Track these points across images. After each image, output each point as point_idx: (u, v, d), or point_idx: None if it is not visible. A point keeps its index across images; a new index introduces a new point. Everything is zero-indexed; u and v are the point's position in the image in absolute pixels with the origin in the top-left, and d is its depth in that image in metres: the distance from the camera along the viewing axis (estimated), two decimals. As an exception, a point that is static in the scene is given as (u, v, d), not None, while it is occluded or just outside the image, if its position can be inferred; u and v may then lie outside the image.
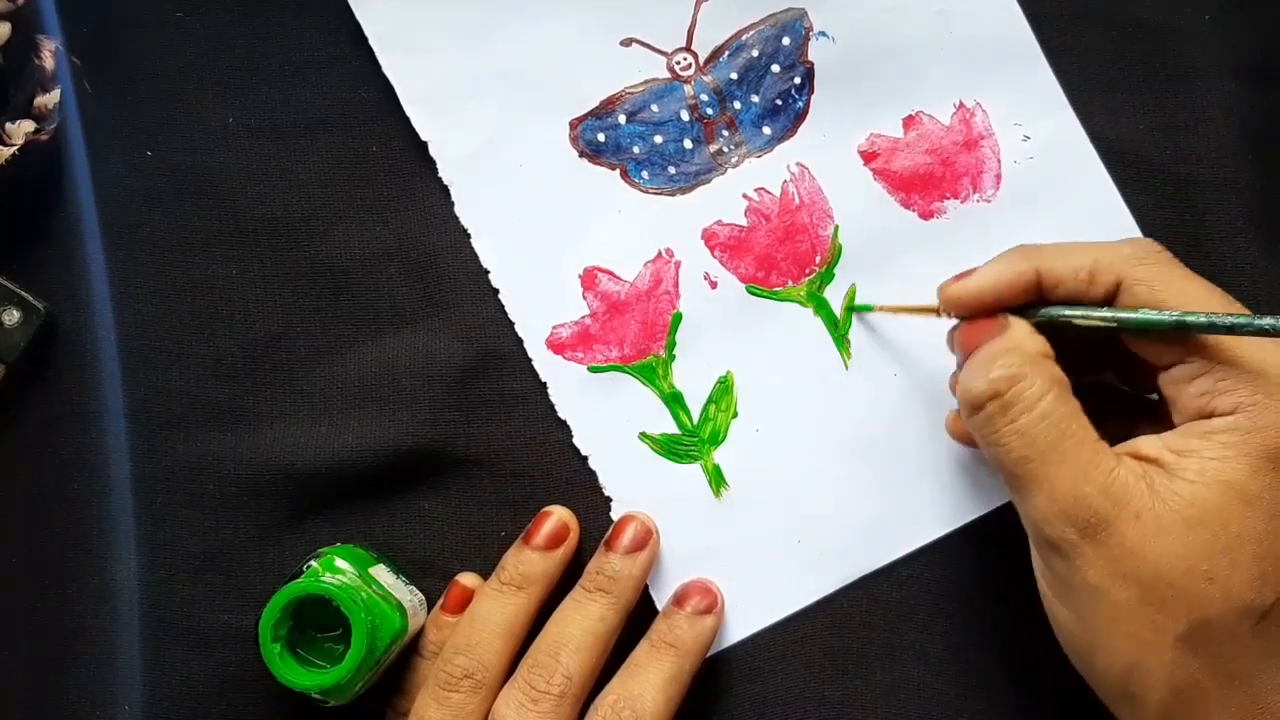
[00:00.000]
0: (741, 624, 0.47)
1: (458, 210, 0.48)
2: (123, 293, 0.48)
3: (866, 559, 0.47)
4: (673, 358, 0.48)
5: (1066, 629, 0.39)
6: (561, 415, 0.48)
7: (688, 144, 0.48)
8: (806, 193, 0.48)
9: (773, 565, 0.47)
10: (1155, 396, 0.41)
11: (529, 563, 0.46)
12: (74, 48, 0.48)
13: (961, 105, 0.48)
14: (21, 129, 0.46)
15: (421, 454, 0.47)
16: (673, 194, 0.48)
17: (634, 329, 0.48)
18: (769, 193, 0.48)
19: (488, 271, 0.48)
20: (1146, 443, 0.39)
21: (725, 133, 0.48)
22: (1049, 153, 0.48)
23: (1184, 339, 0.38)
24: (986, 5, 0.48)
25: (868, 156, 0.48)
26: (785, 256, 0.48)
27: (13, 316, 0.46)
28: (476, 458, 0.48)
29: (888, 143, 0.48)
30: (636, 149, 0.48)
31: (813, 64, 0.48)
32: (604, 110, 0.48)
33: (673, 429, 0.48)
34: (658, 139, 0.48)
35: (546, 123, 0.48)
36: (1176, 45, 0.48)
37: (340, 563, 0.44)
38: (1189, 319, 0.38)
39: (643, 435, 0.48)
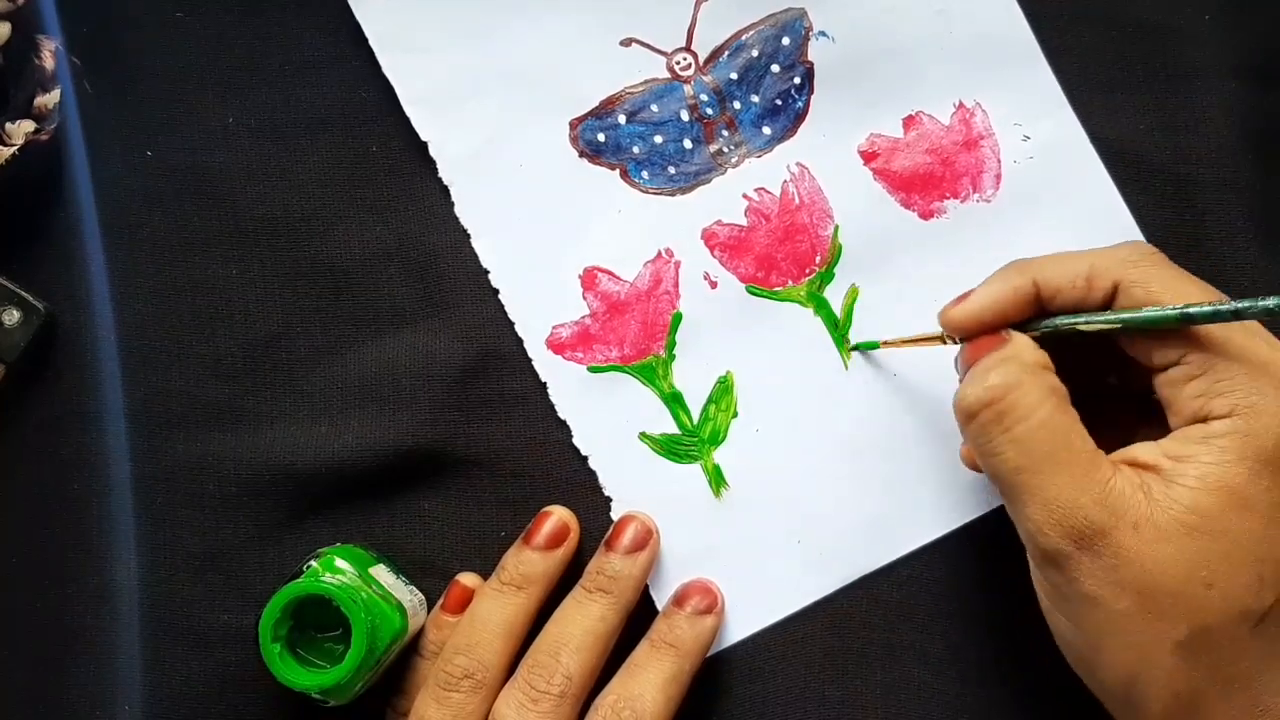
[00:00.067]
0: (741, 624, 0.47)
1: (458, 210, 0.48)
2: (123, 293, 0.48)
3: (866, 559, 0.47)
4: (673, 358, 0.48)
5: (1066, 639, 0.39)
6: (561, 415, 0.48)
7: (688, 144, 0.48)
8: (806, 193, 0.48)
9: (773, 565, 0.47)
10: (1150, 398, 0.41)
11: (529, 563, 0.46)
12: (74, 48, 0.48)
13: (961, 105, 0.48)
14: (21, 129, 0.46)
15: (421, 454, 0.47)
16: (673, 194, 0.48)
17: (634, 329, 0.48)
18: (769, 193, 0.48)
19: (488, 271, 0.48)
20: (1143, 450, 0.38)
21: (725, 133, 0.48)
22: (1049, 153, 0.48)
23: (1182, 338, 0.38)
24: (986, 5, 0.48)
25: (868, 156, 0.48)
26: (785, 256, 0.48)
27: (13, 316, 0.46)
28: (476, 458, 0.48)
29: (888, 143, 0.48)
30: (636, 149, 0.48)
31: (812, 64, 0.48)
32: (604, 110, 0.48)
33: (673, 429, 0.48)
34: (658, 139, 0.48)
35: (546, 123, 0.48)
36: (1176, 45, 0.48)
37: (340, 563, 0.44)
38: (1192, 310, 0.37)
39: (643, 435, 0.48)
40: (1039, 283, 0.40)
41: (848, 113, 0.48)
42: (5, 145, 0.46)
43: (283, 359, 0.48)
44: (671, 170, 0.48)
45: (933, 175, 0.48)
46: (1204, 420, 0.38)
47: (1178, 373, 0.39)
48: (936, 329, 0.43)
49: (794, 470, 0.47)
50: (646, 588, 0.47)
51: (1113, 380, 0.44)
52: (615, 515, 0.47)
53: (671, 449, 0.48)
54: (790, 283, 0.48)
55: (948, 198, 0.48)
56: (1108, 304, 0.40)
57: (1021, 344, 0.40)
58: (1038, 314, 0.41)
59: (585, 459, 0.48)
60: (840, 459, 0.47)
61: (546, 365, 0.48)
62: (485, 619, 0.45)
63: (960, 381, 0.41)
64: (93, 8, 0.48)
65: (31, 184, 0.47)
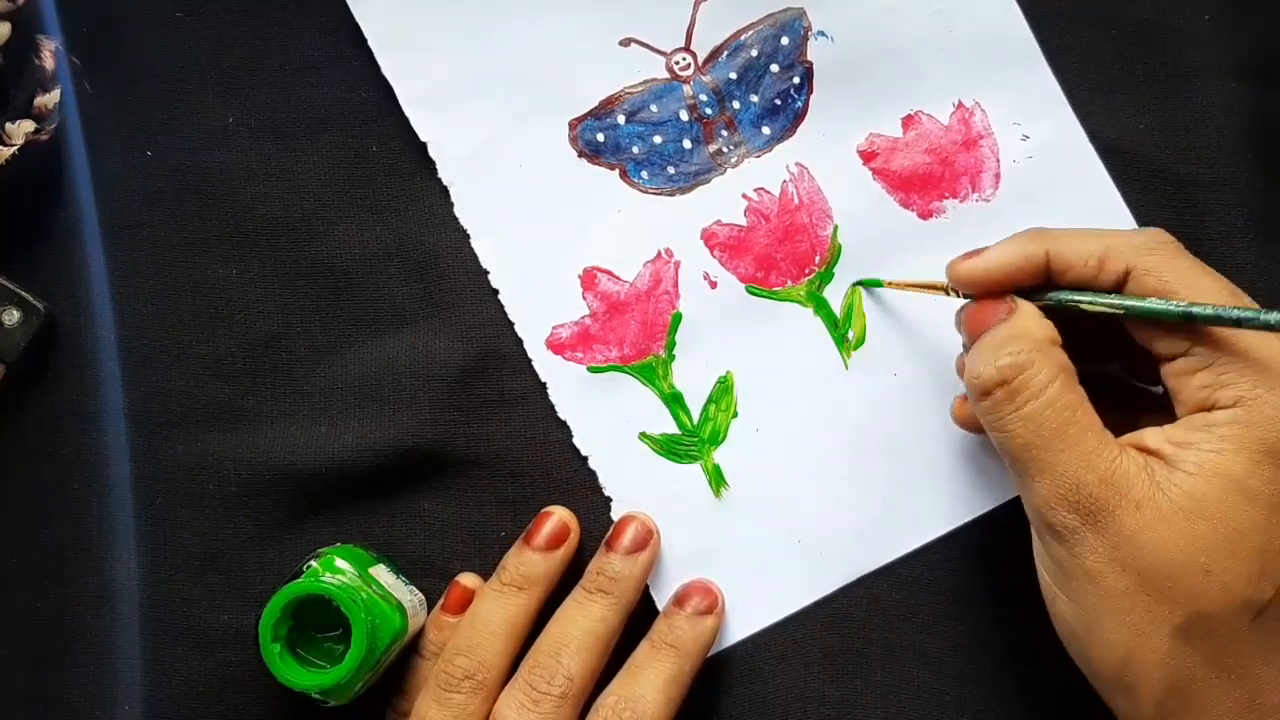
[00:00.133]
0: (741, 624, 0.47)
1: (458, 210, 0.48)
2: (123, 293, 0.48)
3: (866, 559, 0.47)
4: (672, 358, 0.48)
5: (1064, 617, 0.39)
6: (561, 415, 0.48)
7: (687, 144, 0.48)
8: (806, 193, 0.48)
9: (773, 565, 0.47)
10: (1159, 389, 0.41)
11: (530, 563, 0.46)
12: (74, 48, 0.48)
13: (961, 105, 0.48)
14: (21, 129, 0.46)
15: (421, 454, 0.47)
16: (672, 194, 0.48)
17: (634, 329, 0.48)
18: (768, 193, 0.48)
19: (488, 271, 0.48)
20: (1149, 435, 0.39)
21: (724, 133, 0.48)
22: (1048, 152, 0.48)
23: (1189, 330, 0.39)
24: (986, 5, 0.48)
25: (867, 156, 0.48)
26: (785, 256, 0.48)
27: (13, 316, 0.46)
28: (476, 458, 0.48)
29: (887, 142, 0.48)
30: (636, 149, 0.48)
31: (812, 64, 0.48)
32: (603, 110, 0.48)
33: (673, 429, 0.48)
34: (657, 139, 0.48)
35: (546, 123, 0.48)
36: (1176, 45, 0.48)
37: (340, 563, 0.44)
38: (1195, 310, 0.38)
39: (643, 435, 0.48)
40: (1052, 255, 0.41)
41: (847, 113, 0.48)
42: (5, 145, 0.46)
43: (283, 359, 0.48)
44: (671, 170, 0.48)
45: (932, 175, 0.48)
46: (1209, 410, 0.38)
47: (1184, 364, 0.39)
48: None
49: (794, 470, 0.47)
50: (647, 588, 0.47)
51: (1117, 367, 0.44)
52: (615, 515, 0.47)
53: (671, 449, 0.48)
54: (790, 283, 0.48)
55: (947, 197, 0.48)
56: (1118, 287, 0.40)
57: (1029, 317, 0.40)
58: (1044, 284, 0.41)
59: (585, 459, 0.48)
60: (840, 459, 0.47)
61: (546, 365, 0.48)
62: (486, 620, 0.45)
63: (962, 343, 0.41)
64: (93, 8, 0.48)
65: (31, 184, 0.47)
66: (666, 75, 0.48)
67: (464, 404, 0.48)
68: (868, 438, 0.47)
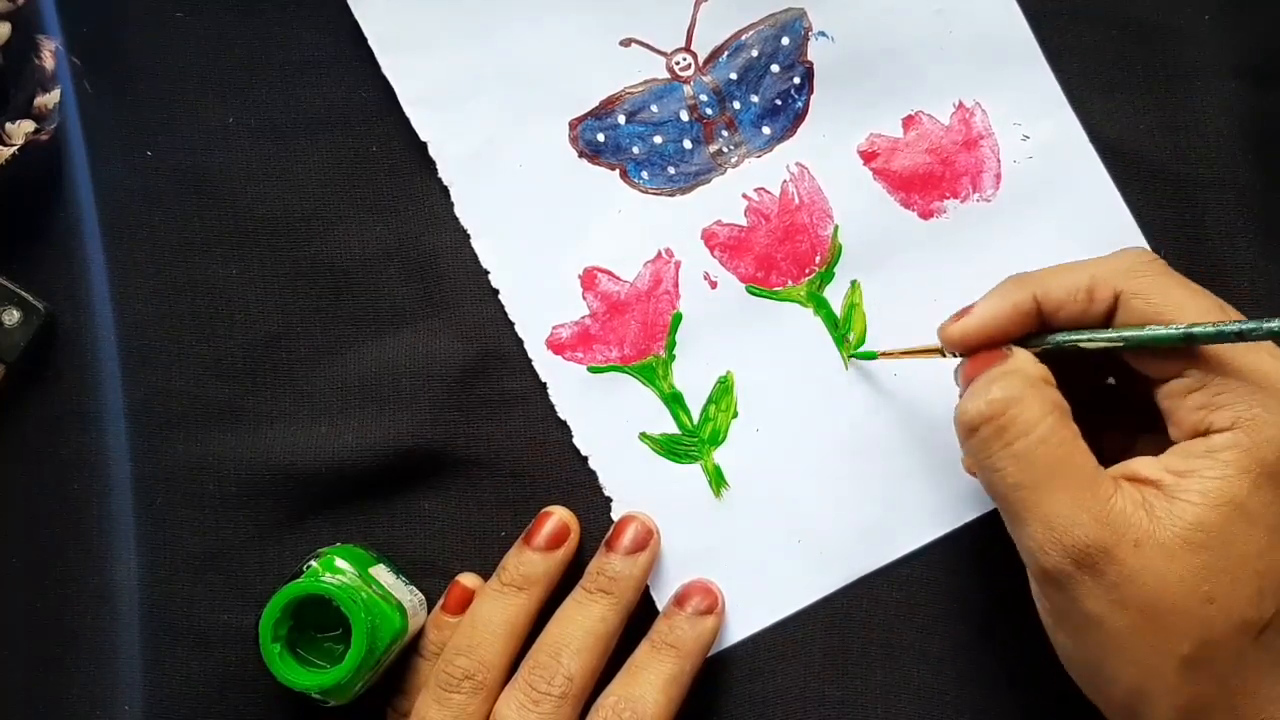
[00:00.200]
0: (741, 624, 0.47)
1: (458, 210, 0.48)
2: (123, 293, 0.48)
3: (866, 559, 0.47)
4: (673, 358, 0.48)
5: (1069, 656, 0.39)
6: (561, 415, 0.48)
7: (687, 144, 0.48)
8: (806, 193, 0.48)
9: (773, 565, 0.47)
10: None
11: (530, 563, 0.46)
12: (74, 48, 0.48)
13: (961, 105, 0.48)
14: (21, 129, 0.46)
15: (421, 454, 0.47)
16: (672, 194, 0.48)
17: (634, 329, 0.48)
18: (769, 193, 0.48)
19: (488, 271, 0.48)
20: (1144, 465, 0.38)
21: (725, 133, 0.48)
22: (1049, 152, 0.48)
23: (1183, 352, 0.38)
24: (986, 5, 0.48)
25: (867, 156, 0.48)
26: (785, 256, 0.48)
27: (13, 316, 0.46)
28: (476, 458, 0.48)
29: (887, 142, 0.48)
30: (636, 149, 0.48)
31: (812, 64, 0.48)
32: (603, 110, 0.48)
33: (673, 429, 0.48)
34: (657, 139, 0.48)
35: (546, 123, 0.48)
36: (1176, 45, 0.48)
37: (340, 563, 0.44)
38: (1196, 330, 0.37)
39: (643, 435, 0.48)
40: (1040, 298, 0.40)
41: (847, 113, 0.48)
42: (5, 145, 0.46)
43: (283, 359, 0.48)
44: (671, 170, 0.48)
45: (932, 175, 0.48)
46: (1204, 433, 0.37)
47: (1178, 385, 0.38)
48: (935, 340, 0.42)
49: (794, 470, 0.47)
50: (647, 588, 0.47)
51: (1111, 382, 0.44)
52: (615, 515, 0.47)
53: (671, 449, 0.48)
54: (790, 283, 0.48)
55: (947, 197, 0.48)
56: (1110, 314, 0.39)
57: (1023, 358, 0.40)
58: (1040, 329, 0.41)
59: (585, 459, 0.48)
60: (840, 459, 0.47)
61: (546, 365, 0.48)
62: (486, 620, 0.45)
63: (960, 396, 0.41)
64: (93, 8, 0.48)
65: (31, 184, 0.47)
66: (667, 75, 0.48)
67: (464, 404, 0.48)
68: (868, 438, 0.47)
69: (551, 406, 0.48)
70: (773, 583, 0.47)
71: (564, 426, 0.48)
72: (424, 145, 0.48)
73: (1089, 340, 0.39)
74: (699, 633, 0.45)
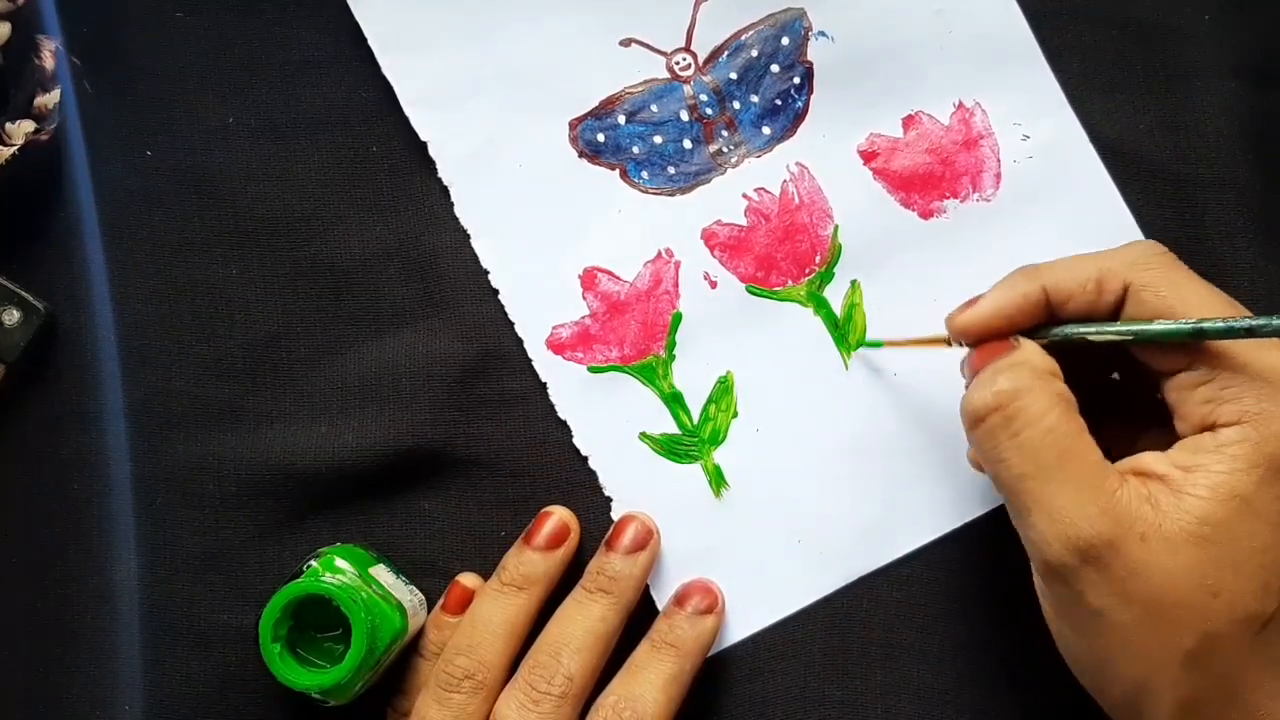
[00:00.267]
0: (741, 624, 0.47)
1: (458, 210, 0.48)
2: (123, 293, 0.48)
3: (866, 559, 0.47)
4: (673, 358, 0.48)
5: (1072, 650, 0.39)
6: (561, 415, 0.48)
7: (687, 144, 0.48)
8: (806, 192, 0.48)
9: (773, 565, 0.47)
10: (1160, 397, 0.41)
11: (530, 563, 0.46)
12: (74, 48, 0.48)
13: (961, 105, 0.48)
14: (21, 129, 0.46)
15: (421, 454, 0.47)
16: (672, 194, 0.48)
17: (634, 329, 0.48)
18: (769, 192, 0.48)
19: (488, 271, 0.48)
20: (1151, 459, 0.38)
21: (725, 133, 0.48)
22: (1049, 152, 0.48)
23: (1193, 345, 0.38)
24: (986, 5, 0.48)
25: (867, 156, 0.48)
26: (785, 256, 0.48)
27: (13, 316, 0.46)
28: (476, 458, 0.48)
29: (887, 142, 0.48)
30: (636, 149, 0.48)
31: (812, 64, 0.48)
32: (603, 110, 0.48)
33: (673, 429, 0.48)
34: (657, 139, 0.48)
35: (546, 123, 0.48)
36: (1176, 45, 0.48)
37: (340, 563, 0.44)
38: (1206, 325, 0.37)
39: (643, 435, 0.48)
40: (1049, 289, 0.40)
41: (847, 113, 0.48)
42: (5, 145, 0.46)
43: (283, 359, 0.48)
44: (671, 170, 0.48)
45: (932, 175, 0.48)
46: (1211, 427, 0.37)
47: (1185, 378, 0.38)
48: (941, 330, 0.42)
49: (794, 470, 0.47)
50: (647, 588, 0.47)
51: (1116, 377, 0.44)
52: (615, 515, 0.47)
53: (671, 449, 0.48)
54: (790, 282, 0.48)
55: (947, 197, 0.48)
56: (1119, 307, 0.40)
57: (1031, 350, 0.40)
58: (1048, 320, 0.41)
59: (585, 459, 0.48)
60: (840, 459, 0.47)
61: (546, 365, 0.48)
62: (486, 619, 0.45)
63: (966, 387, 0.41)
64: (93, 8, 0.48)
65: (31, 184, 0.47)
66: (667, 75, 0.48)
67: (464, 404, 0.48)
68: (868, 438, 0.47)
69: (551, 406, 0.48)
70: (773, 583, 0.47)
71: (564, 426, 0.48)
72: (424, 145, 0.48)
73: (1097, 333, 0.39)
74: (699, 632, 0.45)
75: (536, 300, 0.48)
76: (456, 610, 0.46)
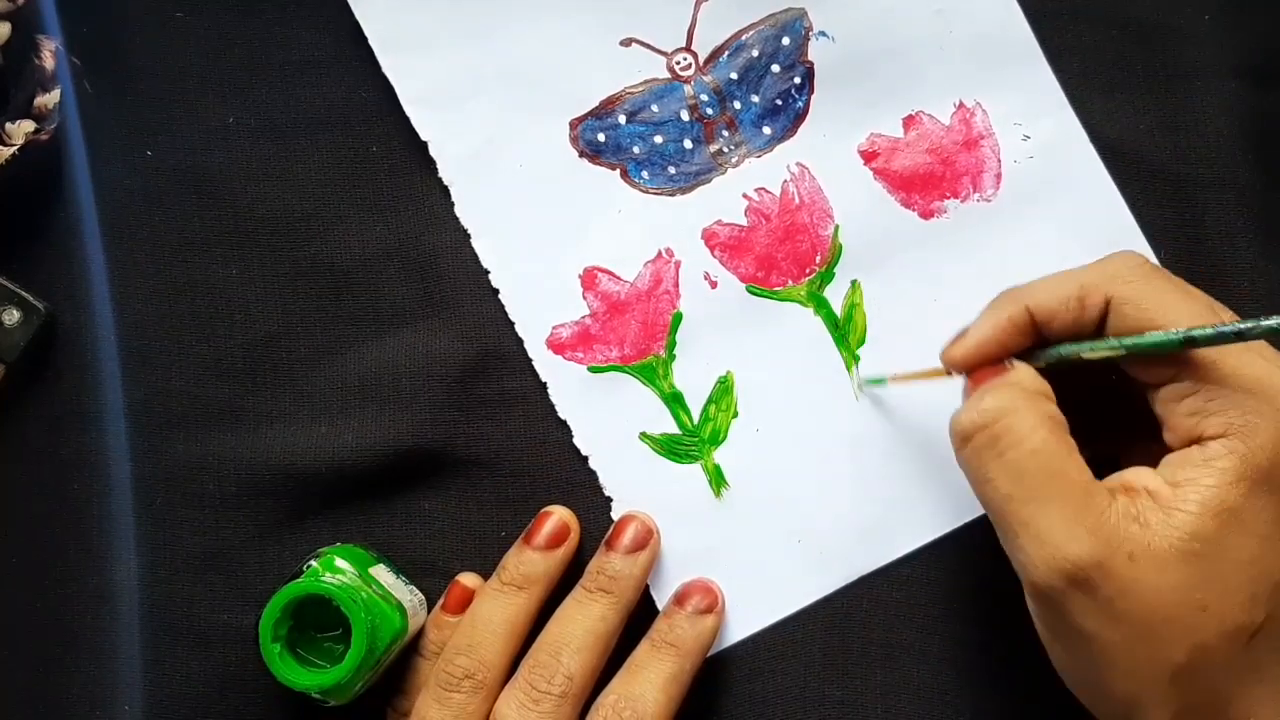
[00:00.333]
0: (741, 624, 0.47)
1: (458, 210, 0.48)
2: (123, 293, 0.48)
3: (866, 559, 0.47)
4: (673, 358, 0.48)
5: (1063, 666, 0.39)
6: (561, 415, 0.48)
7: (688, 144, 0.48)
8: (806, 192, 0.48)
9: (773, 565, 0.47)
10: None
11: (530, 563, 0.46)
12: (74, 48, 0.48)
13: (961, 105, 0.48)
14: (21, 129, 0.46)
15: (421, 454, 0.47)
16: (673, 194, 0.48)
17: (634, 329, 0.48)
18: (769, 192, 0.48)
19: (488, 271, 0.48)
20: (1139, 475, 0.38)
21: (725, 133, 0.48)
22: (1049, 152, 0.48)
23: (1178, 356, 0.38)
24: (986, 5, 0.48)
25: (868, 156, 0.48)
26: (785, 256, 0.48)
27: (13, 316, 0.46)
28: (476, 458, 0.48)
29: (888, 142, 0.48)
30: (636, 149, 0.48)
31: (812, 64, 0.48)
32: (604, 110, 0.48)
33: (673, 429, 0.48)
34: (658, 139, 0.48)
35: (546, 123, 0.48)
36: (1176, 45, 0.48)
37: (340, 563, 0.44)
38: (1195, 334, 0.37)
39: (643, 435, 0.48)
40: (1032, 309, 0.40)
41: (848, 113, 0.48)
42: (5, 145, 0.46)
43: (283, 359, 0.48)
44: (671, 170, 0.48)
45: (933, 175, 0.48)
46: (1198, 440, 0.37)
47: (1172, 391, 0.38)
48: (939, 353, 0.43)
49: (794, 470, 0.47)
50: (647, 588, 0.47)
51: (1115, 378, 0.44)
52: (615, 515, 0.47)
53: (672, 449, 0.48)
54: (790, 282, 0.48)
55: (948, 197, 0.48)
56: (1103, 320, 0.39)
57: (1023, 371, 0.40)
58: (1038, 342, 0.41)
59: (585, 459, 0.48)
60: (840, 459, 0.47)
61: (546, 365, 0.48)
62: (486, 619, 0.45)
63: None
64: (93, 8, 0.48)
65: (31, 184, 0.47)
66: (667, 75, 0.48)
67: (464, 404, 0.48)
68: (868, 437, 0.47)
69: (551, 406, 0.48)
70: (773, 583, 0.47)
71: (564, 426, 0.48)
72: (424, 145, 0.48)
73: (1091, 350, 0.39)
74: (699, 632, 0.45)
75: (537, 300, 0.48)
76: (456, 610, 0.46)
